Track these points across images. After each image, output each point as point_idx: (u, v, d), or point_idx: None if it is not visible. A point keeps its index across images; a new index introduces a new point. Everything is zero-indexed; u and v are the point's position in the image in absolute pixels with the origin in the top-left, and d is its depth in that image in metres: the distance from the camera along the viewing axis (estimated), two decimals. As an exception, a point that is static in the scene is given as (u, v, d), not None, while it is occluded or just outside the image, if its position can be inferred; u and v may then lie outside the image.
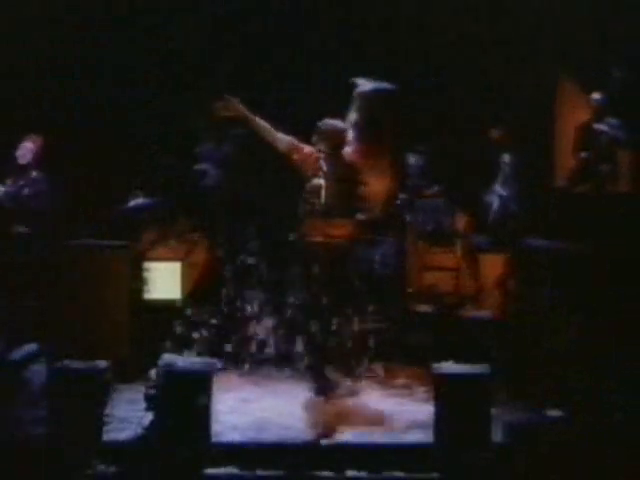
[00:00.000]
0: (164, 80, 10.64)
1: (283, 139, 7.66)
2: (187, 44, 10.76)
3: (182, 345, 7.79)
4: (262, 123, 7.68)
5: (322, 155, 7.52)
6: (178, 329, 8.32)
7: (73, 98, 10.36)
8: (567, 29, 10.01)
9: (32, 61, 10.22)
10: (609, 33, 9.78)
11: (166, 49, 10.71)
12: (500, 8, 10.37)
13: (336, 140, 7.54)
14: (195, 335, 8.38)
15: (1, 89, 9.94)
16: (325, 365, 7.38)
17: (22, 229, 8.42)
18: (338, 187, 7.48)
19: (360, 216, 9.29)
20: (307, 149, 7.61)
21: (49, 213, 8.58)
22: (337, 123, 7.61)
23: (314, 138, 7.55)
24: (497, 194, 9.53)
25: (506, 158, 9.60)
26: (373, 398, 7.52)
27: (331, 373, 7.46)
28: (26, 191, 8.63)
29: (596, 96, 9.62)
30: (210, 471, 6.16)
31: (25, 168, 8.70)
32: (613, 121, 9.59)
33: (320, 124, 7.57)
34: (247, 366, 8.23)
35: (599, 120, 9.62)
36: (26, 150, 8.71)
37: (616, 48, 9.65)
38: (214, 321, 8.80)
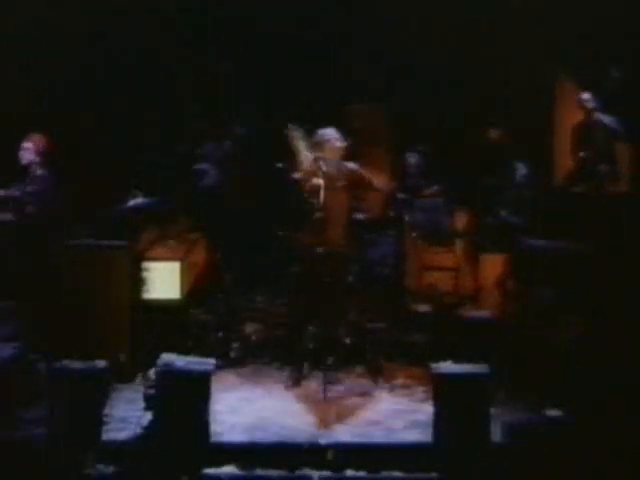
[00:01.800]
0: (165, 80, 10.65)
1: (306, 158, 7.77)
2: (188, 44, 10.78)
3: (181, 345, 7.78)
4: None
5: (322, 156, 7.56)
6: (177, 329, 8.33)
7: (73, 98, 10.37)
8: (566, 29, 10.02)
9: (32, 61, 10.22)
10: (608, 33, 9.78)
11: (166, 49, 10.72)
12: (499, 8, 10.37)
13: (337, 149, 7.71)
14: (194, 335, 8.39)
15: (1, 89, 9.95)
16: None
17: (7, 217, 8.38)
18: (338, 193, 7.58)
19: (359, 216, 9.34)
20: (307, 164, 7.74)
21: (50, 210, 8.55)
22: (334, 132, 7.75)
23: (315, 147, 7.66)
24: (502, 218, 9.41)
25: (521, 172, 9.42)
26: (373, 398, 7.52)
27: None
28: (29, 188, 8.59)
29: (585, 96, 9.59)
30: (209, 471, 6.17)
31: (27, 168, 8.67)
32: (609, 118, 9.57)
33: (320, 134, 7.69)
34: (246, 366, 8.24)
35: (593, 119, 9.60)
36: (25, 150, 8.68)
37: (615, 48, 9.64)
38: (213, 320, 8.82)
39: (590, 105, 9.62)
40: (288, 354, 7.91)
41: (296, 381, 7.69)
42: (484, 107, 10.38)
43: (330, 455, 6.28)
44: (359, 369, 8.02)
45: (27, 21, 10.26)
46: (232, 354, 8.36)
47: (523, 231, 8.98)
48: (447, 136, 10.49)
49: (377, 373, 7.80)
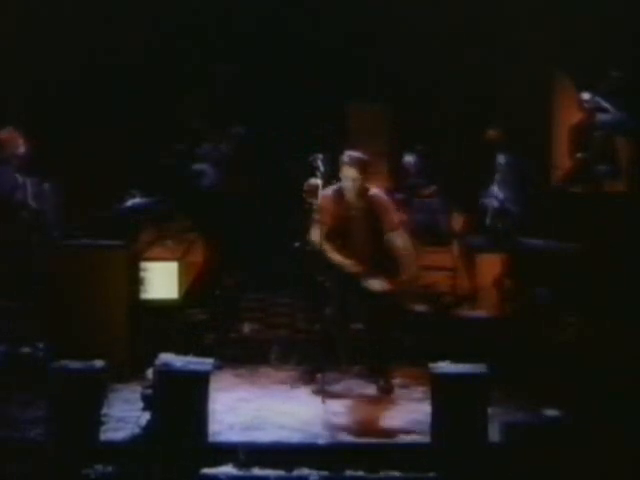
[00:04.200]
0: (165, 80, 10.66)
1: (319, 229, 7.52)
2: (187, 44, 10.80)
3: (179, 345, 7.78)
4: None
5: (320, 156, 7.55)
6: (175, 329, 8.34)
7: (72, 98, 10.38)
8: (566, 29, 10.03)
9: (33, 60, 10.23)
10: (608, 33, 9.79)
11: (166, 49, 10.74)
12: (498, 8, 10.38)
13: (365, 169, 7.53)
14: (192, 334, 8.40)
15: (1, 88, 9.96)
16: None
17: None
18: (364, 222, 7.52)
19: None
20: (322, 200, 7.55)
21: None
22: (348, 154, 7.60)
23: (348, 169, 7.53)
24: (495, 196, 9.46)
25: (501, 159, 9.54)
26: (371, 397, 7.52)
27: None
28: None
29: (586, 96, 9.59)
30: (207, 471, 6.16)
31: None
32: (609, 116, 9.54)
33: (349, 156, 7.54)
34: (244, 365, 8.24)
35: (592, 118, 9.59)
36: None
37: (614, 48, 9.65)
38: (211, 320, 8.83)
39: (590, 105, 9.61)
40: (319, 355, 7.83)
41: (307, 380, 7.69)
42: (484, 107, 10.40)
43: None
44: (357, 369, 8.03)
45: (26, 19, 10.27)
46: (230, 354, 8.36)
47: (519, 223, 9.01)
48: (447, 136, 10.51)
49: (382, 373, 7.73)
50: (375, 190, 7.65)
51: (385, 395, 7.54)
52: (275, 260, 9.91)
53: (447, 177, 9.97)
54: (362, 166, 7.50)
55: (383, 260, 7.54)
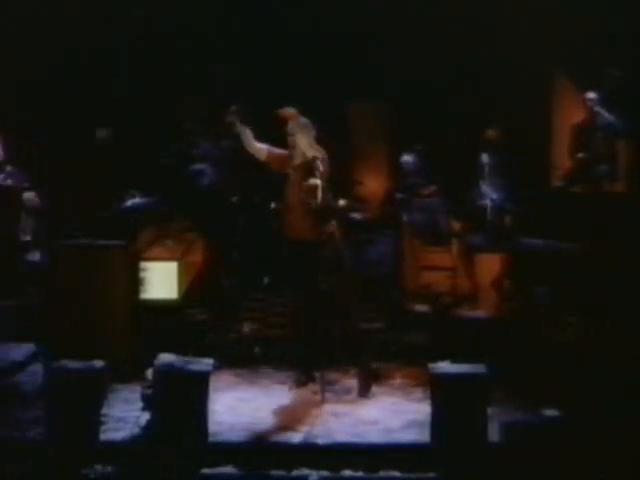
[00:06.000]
0: (165, 80, 10.66)
1: (261, 149, 7.80)
2: (187, 44, 10.79)
3: (179, 345, 7.78)
4: (248, 135, 7.78)
5: (319, 156, 7.55)
6: (175, 329, 8.34)
7: (73, 98, 10.38)
8: (565, 28, 10.03)
9: (32, 60, 10.22)
10: (608, 33, 9.79)
11: (166, 49, 10.73)
12: (498, 8, 10.38)
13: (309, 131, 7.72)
14: (192, 334, 8.40)
15: (1, 88, 9.96)
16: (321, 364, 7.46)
17: None
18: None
19: (356, 215, 9.37)
20: (280, 152, 7.78)
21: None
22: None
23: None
24: (488, 197, 9.45)
25: (485, 158, 9.52)
26: (370, 398, 7.52)
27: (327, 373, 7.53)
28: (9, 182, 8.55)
29: (591, 95, 9.58)
30: (207, 471, 6.16)
31: None
32: (611, 117, 9.54)
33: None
34: (243, 365, 8.24)
35: (595, 119, 9.58)
36: None
37: (614, 48, 9.65)
38: (210, 320, 8.83)
39: (593, 105, 9.60)
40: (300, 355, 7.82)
41: (302, 383, 7.69)
42: (484, 107, 10.40)
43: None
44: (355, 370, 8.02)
45: (26, 19, 10.27)
46: (230, 354, 8.36)
47: (517, 221, 9.01)
48: (447, 136, 10.50)
49: (368, 379, 7.66)
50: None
51: (365, 382, 7.52)
52: (275, 260, 9.91)
53: (447, 177, 9.96)
54: (306, 128, 7.73)
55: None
